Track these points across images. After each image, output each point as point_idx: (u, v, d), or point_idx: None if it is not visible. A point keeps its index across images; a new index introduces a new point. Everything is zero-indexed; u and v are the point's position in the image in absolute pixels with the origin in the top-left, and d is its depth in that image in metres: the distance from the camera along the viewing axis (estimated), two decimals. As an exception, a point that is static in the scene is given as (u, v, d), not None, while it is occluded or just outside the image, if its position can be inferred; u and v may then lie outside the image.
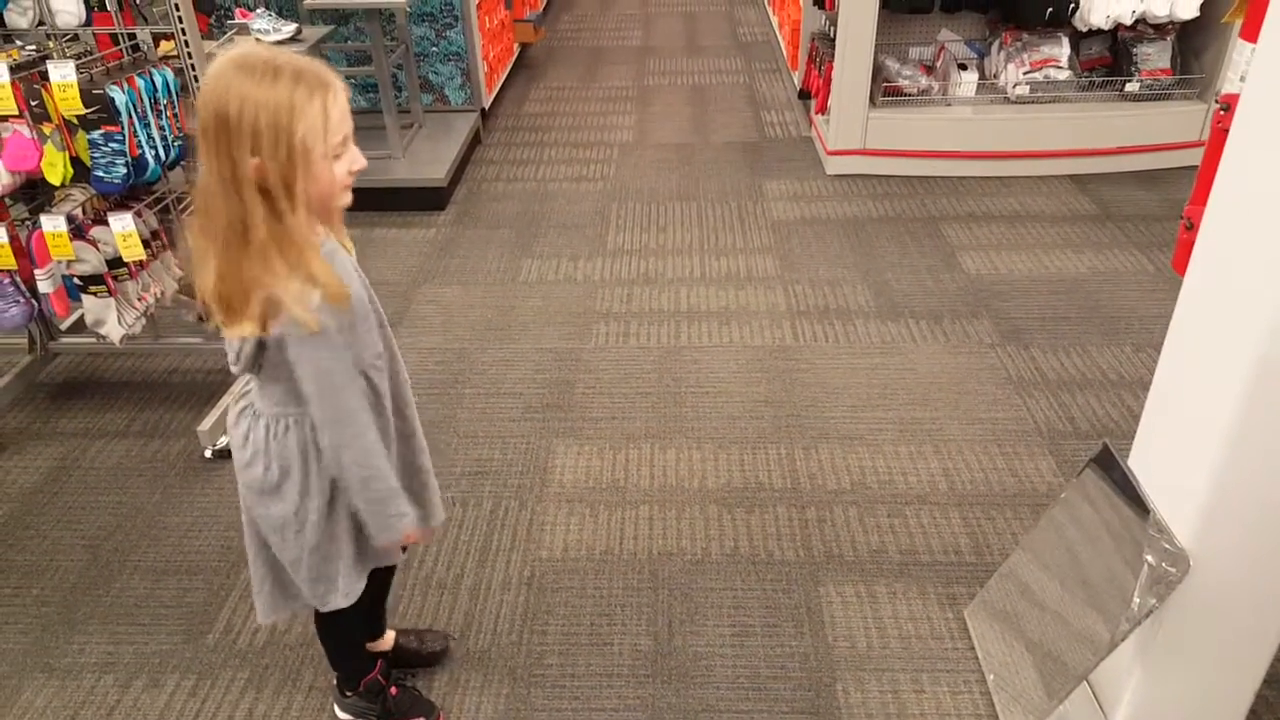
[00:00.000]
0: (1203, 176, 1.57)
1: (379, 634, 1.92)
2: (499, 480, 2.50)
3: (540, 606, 2.12)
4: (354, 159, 1.30)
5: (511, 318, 3.22)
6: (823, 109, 4.31)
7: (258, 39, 3.66)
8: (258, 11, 3.72)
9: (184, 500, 2.45)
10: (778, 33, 5.98)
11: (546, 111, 5.13)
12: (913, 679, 1.93)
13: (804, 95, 4.84)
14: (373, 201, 3.91)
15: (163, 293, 2.70)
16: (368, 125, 4.29)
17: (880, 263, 3.47)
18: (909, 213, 3.84)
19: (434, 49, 4.54)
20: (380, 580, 1.76)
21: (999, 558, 2.16)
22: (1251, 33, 1.53)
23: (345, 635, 1.78)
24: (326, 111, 1.22)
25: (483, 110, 4.71)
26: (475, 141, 4.60)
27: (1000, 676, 1.88)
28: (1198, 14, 3.80)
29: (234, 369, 1.40)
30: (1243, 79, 1.43)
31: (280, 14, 3.91)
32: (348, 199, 1.34)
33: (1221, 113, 1.56)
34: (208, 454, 2.59)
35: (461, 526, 2.35)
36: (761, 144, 4.61)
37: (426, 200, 3.96)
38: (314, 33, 3.80)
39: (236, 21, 3.70)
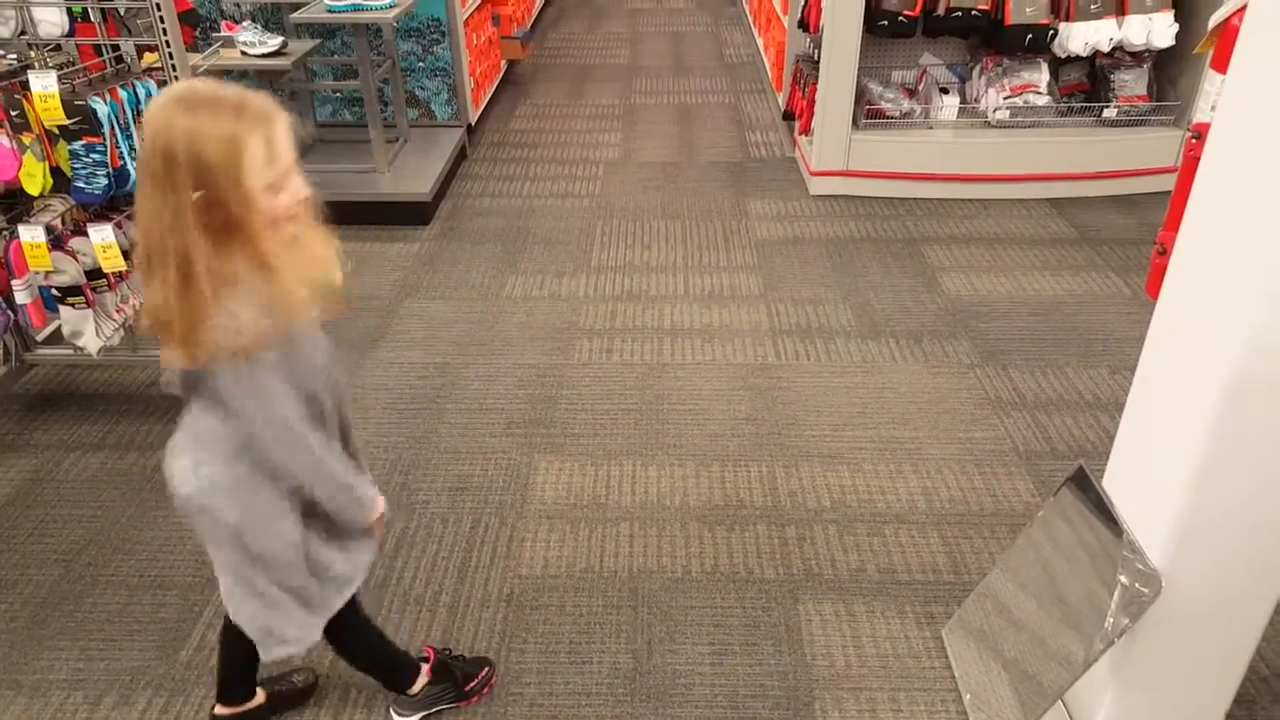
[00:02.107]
0: (1175, 203, 1.60)
1: (249, 696, 1.87)
2: (479, 496, 2.49)
3: (519, 624, 2.11)
4: (297, 189, 1.30)
5: (495, 333, 3.22)
6: (806, 130, 4.35)
7: (243, 52, 3.66)
8: (243, 25, 3.72)
9: (159, 514, 2.43)
10: (763, 54, 6.04)
11: (533, 128, 5.15)
12: (890, 698, 1.93)
13: (788, 116, 4.89)
14: (357, 215, 3.91)
15: (141, 304, 2.67)
16: (353, 139, 4.30)
17: (862, 283, 3.50)
18: (890, 234, 3.87)
19: (421, 64, 4.55)
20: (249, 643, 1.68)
21: (976, 577, 2.17)
22: (1221, 63, 1.56)
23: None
24: (269, 144, 1.23)
25: (469, 126, 4.73)
26: (461, 157, 4.61)
27: (977, 695, 1.89)
28: (1174, 43, 3.87)
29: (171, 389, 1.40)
30: (1214, 108, 1.46)
31: (266, 27, 3.91)
32: (298, 226, 1.33)
33: (1193, 141, 1.59)
34: (185, 467, 2.56)
35: (441, 543, 2.33)
36: (746, 164, 4.64)
37: (411, 215, 3.96)
38: (299, 46, 3.81)
39: (222, 34, 3.70)
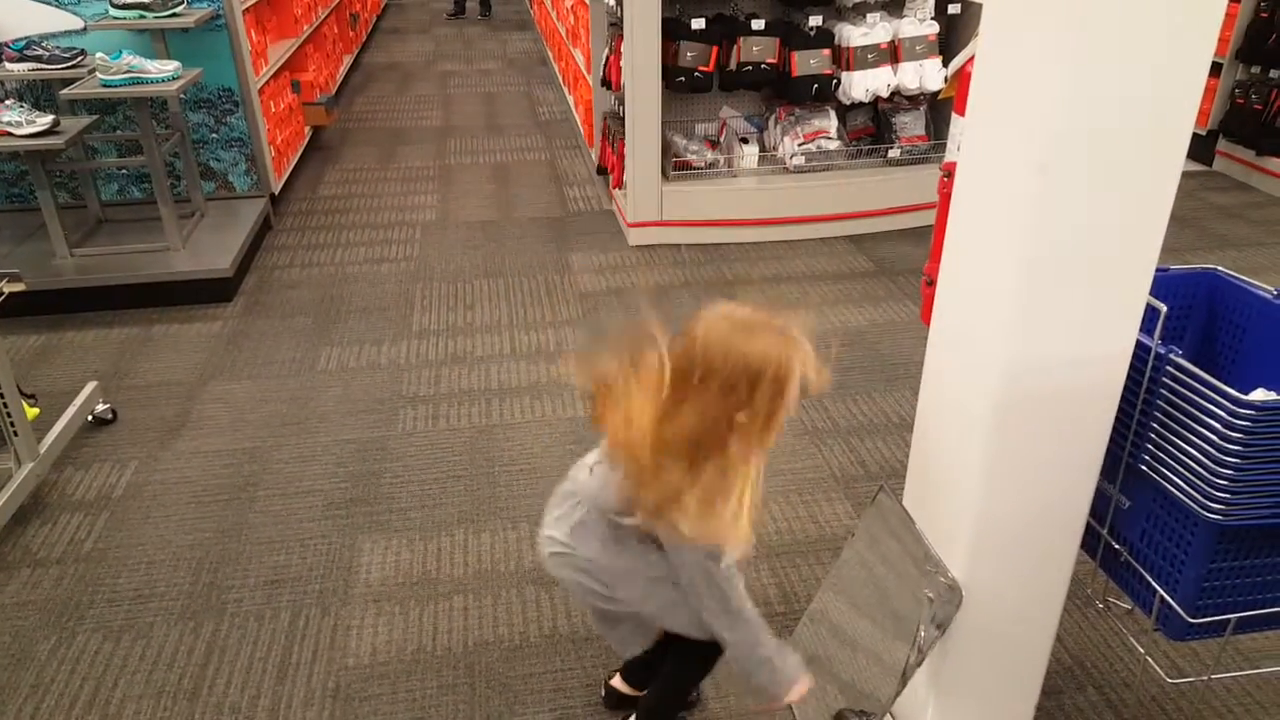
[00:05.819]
0: (937, 237, 1.74)
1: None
2: (298, 587, 2.33)
3: (346, 719, 1.98)
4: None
5: (309, 410, 3.06)
6: (619, 184, 4.46)
7: (9, 132, 3.37)
8: (6, 103, 3.43)
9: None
10: (574, 112, 6.17)
11: (343, 194, 5.01)
12: (734, 740, 1.93)
13: (602, 171, 4.99)
14: (149, 298, 3.64)
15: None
16: (144, 217, 4.02)
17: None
18: (707, 278, 4.01)
19: (214, 135, 4.34)
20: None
21: (806, 604, 2.23)
22: (961, 107, 1.72)
23: None
24: (803, 383, 1.40)
25: (272, 195, 4.53)
26: (265, 228, 4.41)
27: (815, 724, 1.92)
28: (943, 85, 4.25)
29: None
30: (959, 148, 1.60)
31: (36, 105, 3.62)
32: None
33: (945, 179, 1.74)
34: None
35: (257, 643, 2.16)
36: (565, 219, 4.69)
37: (211, 292, 3.74)
38: (74, 124, 3.54)
39: (-21, 113, 3.39)
